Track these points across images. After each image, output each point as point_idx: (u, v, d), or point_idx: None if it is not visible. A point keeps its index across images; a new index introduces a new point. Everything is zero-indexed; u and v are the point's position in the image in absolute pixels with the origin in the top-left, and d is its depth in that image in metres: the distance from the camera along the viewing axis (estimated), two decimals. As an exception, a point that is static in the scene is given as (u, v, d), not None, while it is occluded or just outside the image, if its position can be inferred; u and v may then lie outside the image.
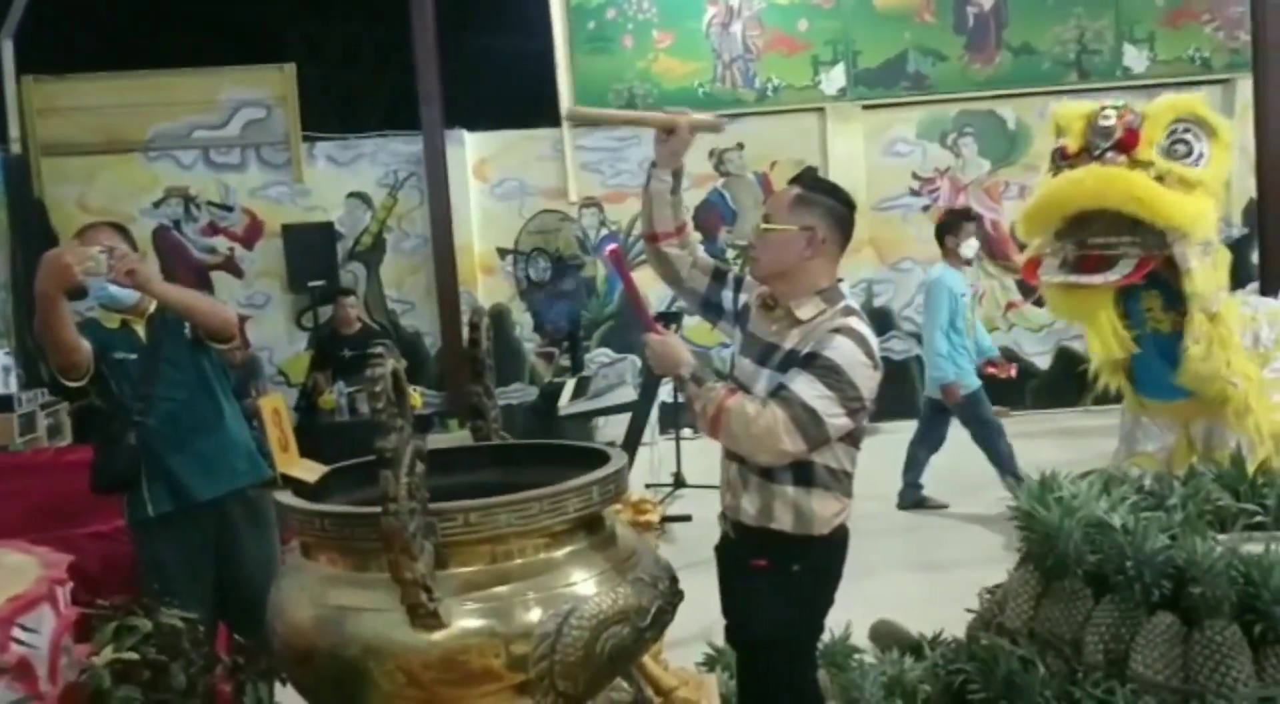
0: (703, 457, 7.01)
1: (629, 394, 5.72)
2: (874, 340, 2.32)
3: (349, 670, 2.01)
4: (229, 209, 8.94)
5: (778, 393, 2.25)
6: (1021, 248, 9.12)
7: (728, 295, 2.56)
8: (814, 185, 2.45)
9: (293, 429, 3.36)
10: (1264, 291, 7.36)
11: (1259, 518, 2.52)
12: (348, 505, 2.18)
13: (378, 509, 2.00)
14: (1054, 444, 7.58)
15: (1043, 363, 9.25)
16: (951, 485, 6.57)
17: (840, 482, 2.36)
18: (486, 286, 9.10)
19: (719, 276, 2.58)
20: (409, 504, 1.82)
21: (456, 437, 7.58)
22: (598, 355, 9.00)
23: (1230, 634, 2.06)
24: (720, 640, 3.60)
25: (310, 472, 2.26)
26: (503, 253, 9.12)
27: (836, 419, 2.23)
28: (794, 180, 2.50)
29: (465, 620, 1.96)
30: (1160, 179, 3.91)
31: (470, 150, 9.02)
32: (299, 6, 9.19)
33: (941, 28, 9.02)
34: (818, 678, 2.63)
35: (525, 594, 2.03)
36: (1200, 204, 3.93)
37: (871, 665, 3.42)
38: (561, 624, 1.98)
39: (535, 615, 2.00)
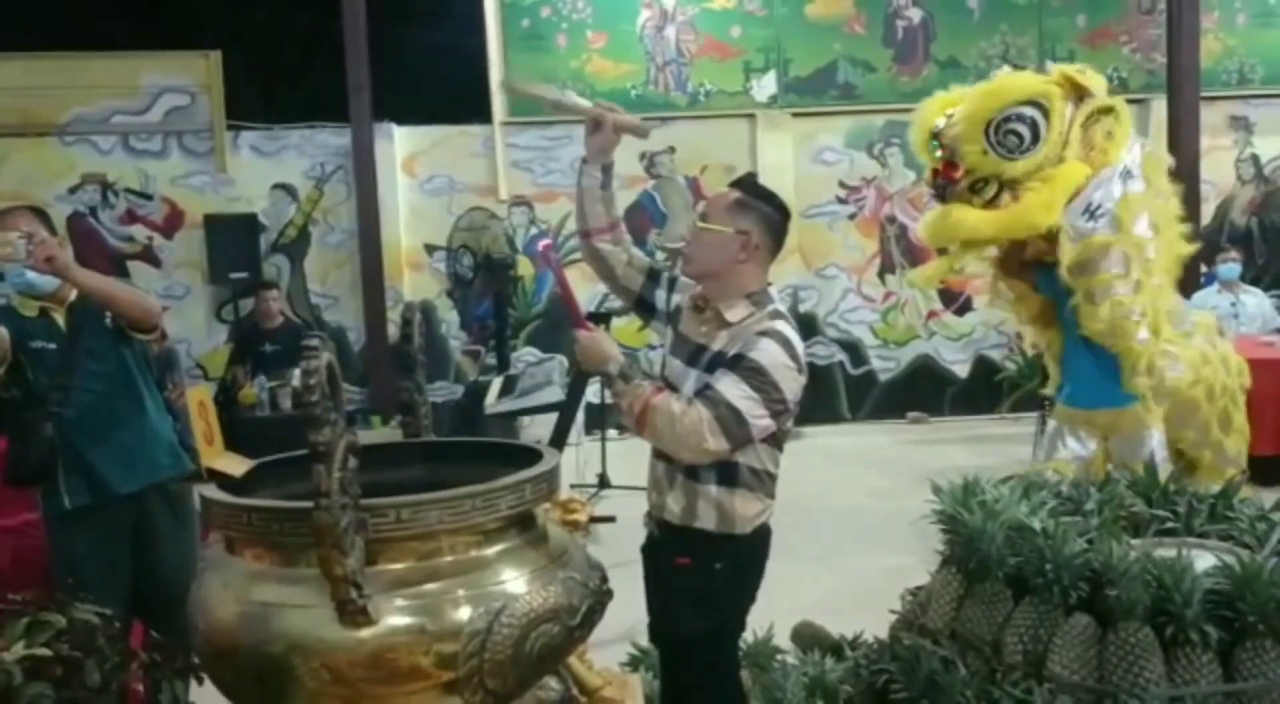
0: (628, 458, 7.02)
1: (556, 394, 5.72)
2: (799, 344, 2.35)
3: (273, 668, 1.97)
4: (148, 197, 8.71)
5: (703, 392, 2.27)
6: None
7: (661, 295, 2.57)
8: (754, 191, 2.48)
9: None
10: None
11: (1170, 524, 2.61)
12: (274, 500, 2.15)
13: (307, 504, 1.97)
14: (971, 450, 7.74)
15: (961, 371, 9.44)
16: (870, 489, 6.69)
17: (763, 482, 2.39)
18: (413, 283, 9.00)
19: (653, 276, 2.59)
20: (341, 499, 1.80)
21: (380, 433, 7.50)
22: (524, 354, 8.97)
23: (1143, 636, 2.12)
24: (644, 640, 3.63)
25: (236, 465, 2.23)
26: (430, 249, 9.04)
27: (760, 420, 2.26)
28: (735, 184, 2.52)
29: (394, 618, 1.94)
30: (1002, 187, 4.00)
31: (399, 145, 8.91)
32: (227, -7, 9.03)
33: (871, 39, 9.16)
34: (740, 677, 2.65)
35: (455, 592, 2.02)
36: (1037, 195, 3.98)
37: (794, 666, 3.46)
38: (492, 622, 1.97)
39: (465, 613, 1.98)
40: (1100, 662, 2.17)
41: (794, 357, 2.31)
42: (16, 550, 3.41)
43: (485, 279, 8.49)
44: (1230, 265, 7.45)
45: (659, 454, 2.44)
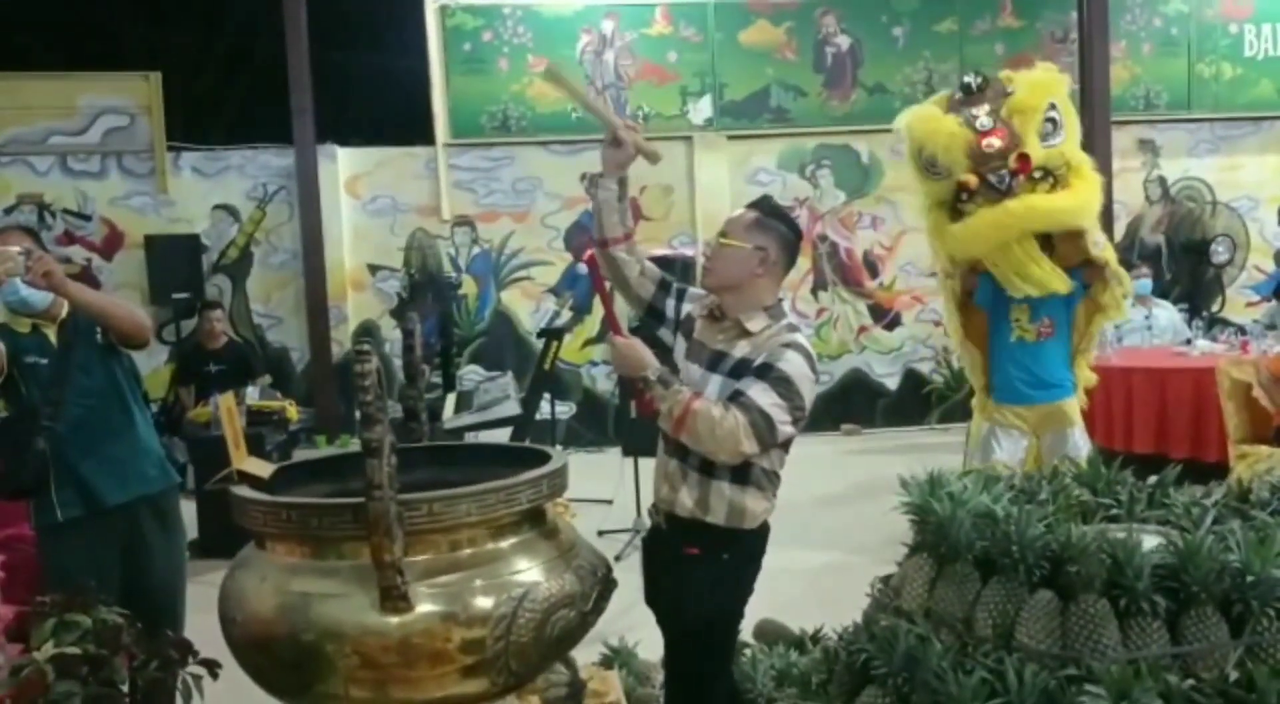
0: (577, 473, 7.16)
1: (513, 408, 5.85)
2: (815, 356, 2.53)
3: (308, 654, 2.10)
4: (86, 218, 8.65)
5: (737, 399, 2.43)
6: (874, 275, 9.65)
7: (671, 304, 2.73)
8: (771, 211, 2.63)
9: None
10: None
11: (1115, 511, 2.84)
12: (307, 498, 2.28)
13: (344, 500, 2.12)
14: (903, 459, 7.99)
15: (892, 384, 9.77)
16: (815, 496, 6.92)
17: (772, 482, 2.57)
18: (356, 303, 9.07)
19: (664, 286, 2.75)
20: (391, 491, 1.94)
21: (327, 451, 7.53)
22: (468, 373, 9.07)
23: (1100, 607, 2.32)
24: (615, 641, 3.79)
25: (262, 468, 2.34)
26: (374, 269, 9.11)
27: (785, 426, 2.44)
28: (753, 205, 2.66)
29: (424, 605, 2.09)
30: (1054, 177, 4.17)
31: (342, 166, 8.99)
32: (169, 15, 8.98)
33: (802, 65, 9.49)
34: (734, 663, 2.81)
35: (474, 581, 2.17)
36: (1087, 185, 4.22)
37: (760, 659, 3.65)
38: (516, 607, 2.13)
39: (489, 600, 2.14)
40: (1063, 631, 2.36)
41: (814, 368, 2.50)
42: (8, 562, 3.45)
43: (430, 299, 8.58)
44: (1144, 281, 7.88)
45: (671, 451, 2.59)
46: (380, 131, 9.12)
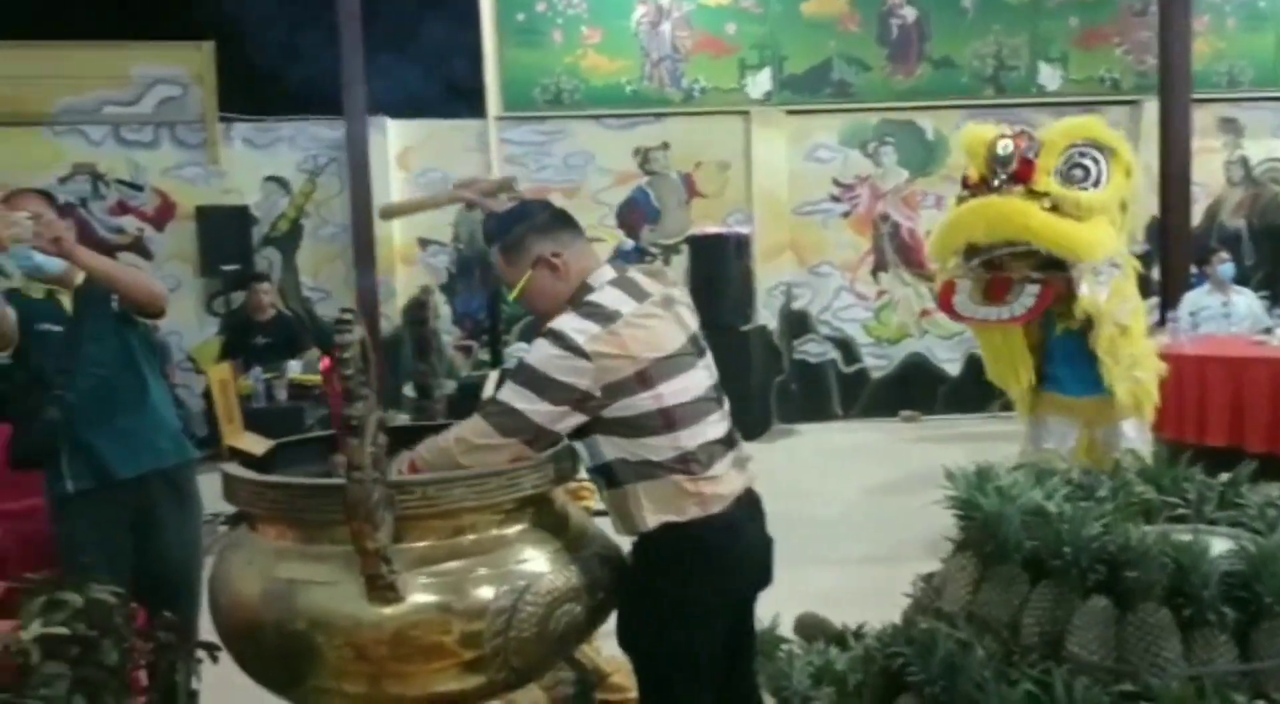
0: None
1: (555, 386, 5.70)
2: (579, 332, 2.15)
3: (296, 644, 1.98)
4: (139, 188, 8.67)
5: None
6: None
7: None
8: (501, 230, 2.35)
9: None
10: (1164, 307, 7.68)
11: (1181, 510, 2.62)
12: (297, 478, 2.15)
13: (333, 481, 1.98)
14: (963, 448, 7.75)
15: (953, 369, 9.48)
16: (866, 485, 6.72)
17: (685, 464, 2.20)
18: (406, 277, 8.96)
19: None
20: (373, 473, 1.80)
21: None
22: (516, 349, 8.94)
23: (1161, 616, 2.13)
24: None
25: (256, 444, 2.22)
26: (424, 243, 9.01)
27: (538, 406, 2.11)
28: (487, 239, 2.43)
29: (419, 595, 1.95)
30: (1055, 207, 3.97)
31: (393, 138, 8.91)
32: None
33: (865, 38, 9.20)
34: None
35: (477, 570, 2.03)
36: (1095, 230, 4.00)
37: (798, 655, 3.48)
38: (517, 600, 1.98)
39: (488, 592, 2.00)
40: (1119, 643, 2.17)
41: (568, 346, 2.13)
42: (22, 534, 3.40)
43: (479, 274, 8.47)
44: (1228, 265, 7.55)
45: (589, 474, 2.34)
46: (431, 104, 9.02)
